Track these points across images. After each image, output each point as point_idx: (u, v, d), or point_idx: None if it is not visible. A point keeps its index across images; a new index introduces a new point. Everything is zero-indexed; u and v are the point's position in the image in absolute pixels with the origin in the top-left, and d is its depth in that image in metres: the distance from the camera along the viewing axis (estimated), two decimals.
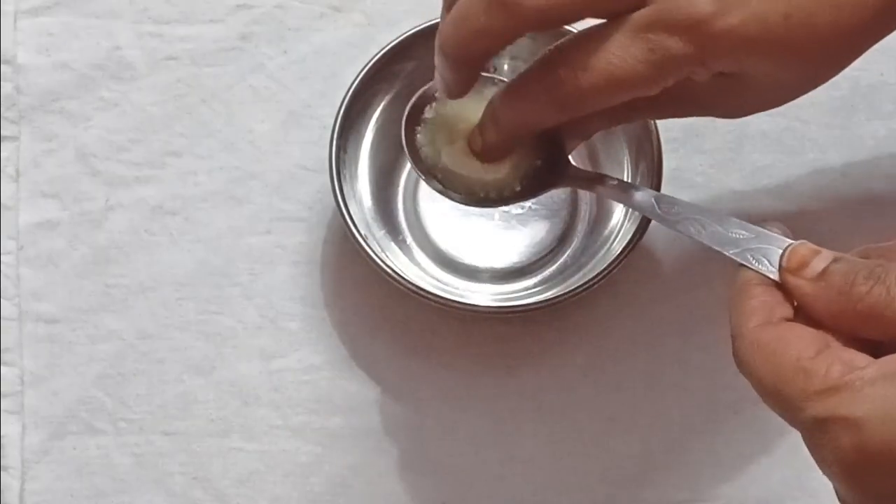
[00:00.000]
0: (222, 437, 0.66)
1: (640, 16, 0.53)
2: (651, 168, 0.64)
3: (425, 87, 0.61)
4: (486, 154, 0.60)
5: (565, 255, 0.67)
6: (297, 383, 0.66)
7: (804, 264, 0.51)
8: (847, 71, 0.69)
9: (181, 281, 0.68)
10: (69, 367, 0.67)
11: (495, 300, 0.66)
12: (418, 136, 0.61)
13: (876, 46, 0.70)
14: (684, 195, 0.68)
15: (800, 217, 0.68)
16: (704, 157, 0.69)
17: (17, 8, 0.71)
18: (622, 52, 0.53)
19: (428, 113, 0.61)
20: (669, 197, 0.58)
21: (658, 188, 0.64)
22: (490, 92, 0.59)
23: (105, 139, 0.69)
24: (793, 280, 0.51)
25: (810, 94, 0.68)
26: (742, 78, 0.55)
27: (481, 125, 0.59)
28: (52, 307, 0.67)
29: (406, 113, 0.61)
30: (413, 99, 0.61)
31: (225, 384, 0.66)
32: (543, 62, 0.55)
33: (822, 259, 0.50)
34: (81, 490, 0.65)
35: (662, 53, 0.53)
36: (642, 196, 0.59)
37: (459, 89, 0.57)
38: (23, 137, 0.69)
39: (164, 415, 0.66)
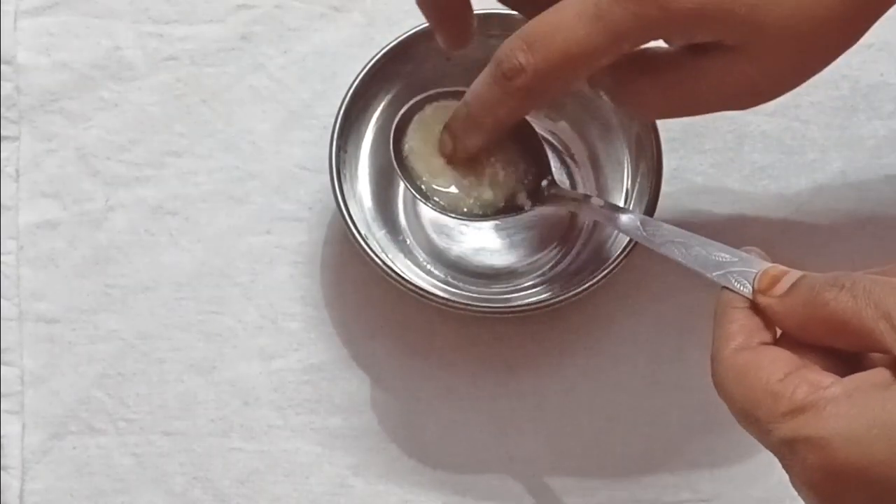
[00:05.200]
0: (222, 437, 0.66)
1: None
2: (651, 168, 0.64)
3: (416, 98, 0.62)
4: (457, 157, 0.61)
5: (565, 255, 0.67)
6: (297, 383, 0.66)
7: (774, 283, 0.51)
8: (847, 71, 0.69)
9: (181, 281, 0.68)
10: (69, 367, 0.66)
11: (495, 300, 0.66)
12: (405, 145, 0.62)
13: (876, 46, 0.70)
14: (684, 195, 0.68)
15: (800, 217, 0.68)
16: (704, 157, 0.69)
17: (17, 8, 0.71)
18: (574, 29, 0.54)
19: (415, 123, 0.62)
20: (654, 220, 0.59)
21: (658, 188, 0.64)
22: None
23: (105, 139, 0.69)
24: (764, 300, 0.51)
25: (810, 93, 0.68)
26: (724, 51, 0.55)
27: (451, 127, 0.60)
28: (52, 307, 0.67)
29: (395, 123, 0.62)
30: (402, 110, 0.62)
31: (225, 384, 0.66)
32: (503, 51, 0.56)
33: (791, 277, 0.51)
34: (81, 490, 0.65)
35: (610, 20, 0.54)
36: (627, 219, 0.60)
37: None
38: (23, 137, 0.69)
39: (164, 415, 0.66)
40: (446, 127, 0.61)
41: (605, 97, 0.62)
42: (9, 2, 0.71)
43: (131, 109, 0.70)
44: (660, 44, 0.57)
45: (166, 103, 0.70)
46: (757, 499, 0.65)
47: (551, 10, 0.55)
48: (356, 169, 0.66)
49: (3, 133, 0.69)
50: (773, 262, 0.53)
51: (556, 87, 0.57)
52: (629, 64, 0.57)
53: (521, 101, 0.57)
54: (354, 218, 0.64)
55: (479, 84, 0.58)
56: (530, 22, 0.56)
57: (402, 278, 0.63)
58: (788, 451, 0.48)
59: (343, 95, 0.65)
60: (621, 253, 0.63)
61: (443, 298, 0.63)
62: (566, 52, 0.55)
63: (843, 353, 0.50)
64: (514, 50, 0.55)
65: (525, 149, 0.62)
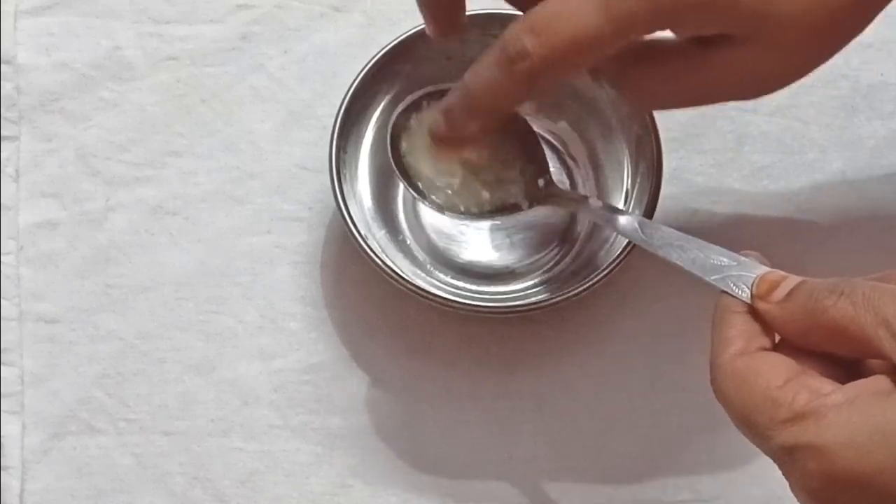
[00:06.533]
0: (222, 437, 0.66)
1: None
2: (651, 168, 0.64)
3: (413, 95, 0.61)
4: (448, 140, 0.59)
5: (565, 255, 0.67)
6: (297, 383, 0.66)
7: (773, 289, 0.51)
8: (847, 71, 0.69)
9: (181, 281, 0.68)
10: (69, 367, 0.66)
11: (495, 300, 0.66)
12: (403, 143, 0.61)
13: (876, 46, 0.70)
14: (684, 195, 0.68)
15: (799, 217, 0.68)
16: (704, 157, 0.69)
17: (17, 8, 0.71)
18: (581, 15, 0.53)
19: (413, 121, 0.61)
20: (652, 223, 0.59)
21: (658, 188, 0.64)
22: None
23: (105, 139, 0.69)
24: (763, 305, 0.51)
25: (810, 93, 0.68)
26: (726, 44, 0.55)
27: (447, 107, 0.58)
28: (52, 307, 0.67)
29: (392, 121, 0.61)
30: (399, 107, 0.62)
31: (225, 384, 0.66)
32: (508, 34, 0.55)
33: (790, 282, 0.51)
34: (81, 490, 0.65)
35: (619, 7, 0.53)
36: (625, 220, 0.60)
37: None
38: (23, 137, 0.69)
39: (164, 415, 0.66)
40: (441, 108, 0.59)
41: (607, 87, 0.61)
42: (9, 2, 0.71)
43: (131, 109, 0.70)
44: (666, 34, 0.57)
45: (166, 103, 0.70)
46: (757, 499, 0.65)
47: None
48: (356, 169, 0.66)
49: (3, 133, 0.69)
50: (773, 262, 0.53)
51: (559, 74, 0.55)
52: (634, 53, 0.56)
53: (523, 86, 0.55)
54: (354, 218, 0.64)
55: (481, 66, 0.56)
56: (537, 7, 0.54)
57: (402, 278, 0.63)
58: (788, 458, 0.48)
59: (343, 95, 0.65)
60: (621, 253, 0.63)
61: (443, 298, 0.63)
62: (573, 39, 0.53)
63: (842, 359, 0.50)
64: (519, 34, 0.54)
65: (522, 147, 0.62)
